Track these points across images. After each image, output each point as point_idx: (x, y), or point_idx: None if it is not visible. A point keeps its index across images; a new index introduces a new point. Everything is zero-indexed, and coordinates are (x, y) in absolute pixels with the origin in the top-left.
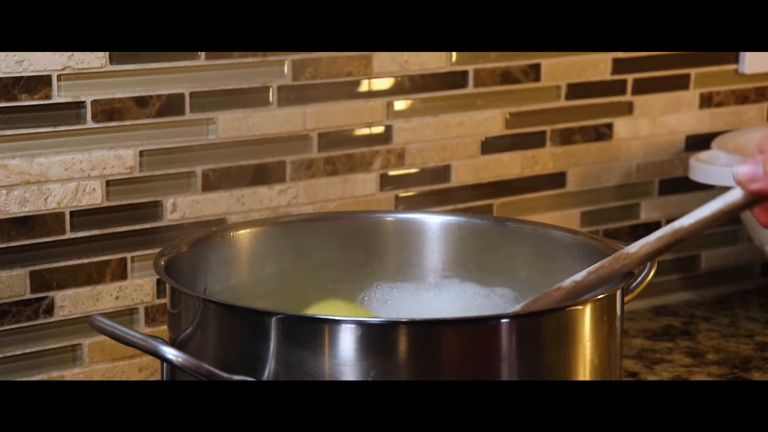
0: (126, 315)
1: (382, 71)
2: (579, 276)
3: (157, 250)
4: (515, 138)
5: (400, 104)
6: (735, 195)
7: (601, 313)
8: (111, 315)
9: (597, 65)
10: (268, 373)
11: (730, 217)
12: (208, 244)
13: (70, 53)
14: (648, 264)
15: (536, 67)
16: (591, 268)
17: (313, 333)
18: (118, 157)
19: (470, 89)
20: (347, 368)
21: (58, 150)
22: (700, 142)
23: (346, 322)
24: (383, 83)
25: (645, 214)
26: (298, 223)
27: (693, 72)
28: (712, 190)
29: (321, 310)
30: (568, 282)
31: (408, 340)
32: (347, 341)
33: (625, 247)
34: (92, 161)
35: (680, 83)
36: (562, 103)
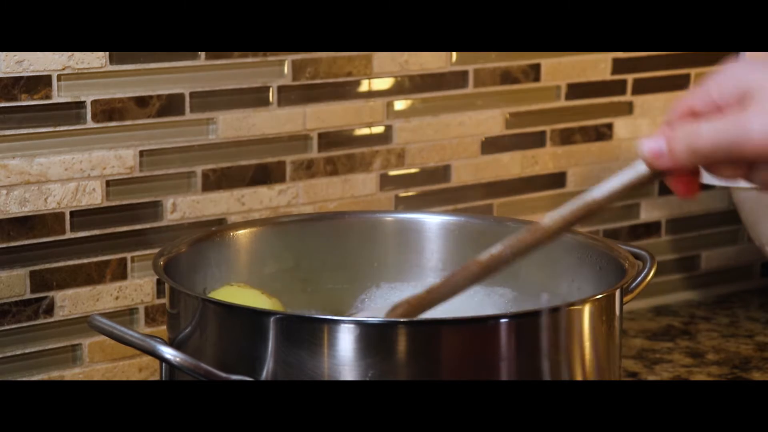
0: (126, 315)
1: (382, 71)
2: (494, 249)
3: (157, 250)
4: (515, 138)
5: (400, 104)
6: (642, 167)
7: (600, 313)
8: (111, 315)
9: (597, 65)
10: (266, 373)
11: (640, 189)
12: (208, 244)
13: (70, 53)
14: (648, 264)
15: (536, 67)
16: (506, 242)
17: (312, 333)
18: (118, 157)
19: (470, 89)
20: (346, 368)
21: (58, 150)
22: None
23: (344, 322)
24: (383, 83)
25: (645, 214)
26: (298, 223)
27: (693, 72)
28: (712, 190)
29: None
30: (484, 255)
31: (407, 340)
32: (346, 341)
33: (539, 221)
34: (92, 161)
35: (680, 83)
36: (562, 103)
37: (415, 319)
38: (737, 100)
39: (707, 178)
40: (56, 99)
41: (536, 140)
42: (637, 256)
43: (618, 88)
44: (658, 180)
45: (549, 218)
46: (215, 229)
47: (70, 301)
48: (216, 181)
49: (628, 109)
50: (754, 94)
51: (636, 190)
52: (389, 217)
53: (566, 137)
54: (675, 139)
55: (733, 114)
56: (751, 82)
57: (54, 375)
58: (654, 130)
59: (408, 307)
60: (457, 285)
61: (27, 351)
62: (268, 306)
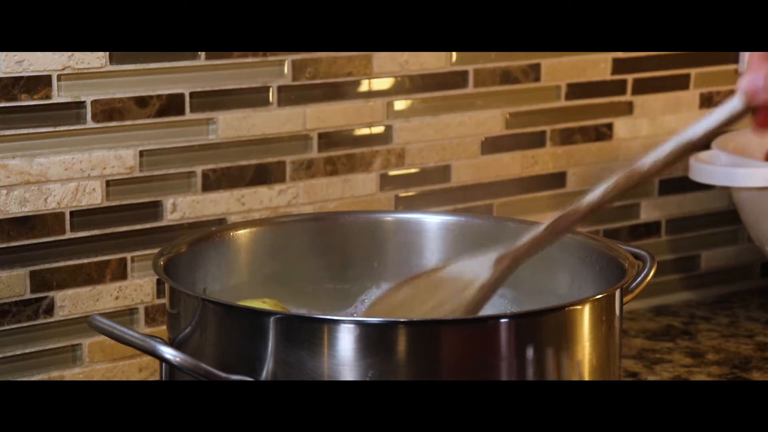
0: (126, 315)
1: (382, 71)
2: (592, 196)
3: (157, 250)
4: (515, 138)
5: (400, 104)
6: (736, 102)
7: (600, 313)
8: (111, 315)
9: (597, 65)
10: (266, 373)
11: (733, 124)
12: (208, 244)
13: (70, 53)
14: (648, 264)
15: (536, 67)
16: (601, 187)
17: (312, 333)
18: (118, 157)
19: (470, 89)
20: (345, 368)
21: (58, 150)
22: None
23: (344, 322)
24: (383, 83)
25: (645, 214)
26: (298, 223)
27: (693, 72)
28: (711, 190)
29: None
30: (582, 203)
31: (406, 340)
32: (346, 341)
33: (636, 165)
34: (92, 161)
35: (680, 83)
36: (562, 103)
37: (414, 319)
38: None
39: (706, 177)
40: (56, 99)
41: (536, 140)
42: (637, 256)
43: (618, 88)
44: (751, 113)
45: (646, 161)
46: (215, 229)
47: (70, 301)
48: (216, 181)
49: (628, 109)
50: None
51: (731, 125)
52: (389, 217)
53: (566, 137)
54: None
55: None
56: None
57: (54, 375)
58: (654, 130)
59: (511, 260)
60: (560, 228)
61: (27, 351)
62: None
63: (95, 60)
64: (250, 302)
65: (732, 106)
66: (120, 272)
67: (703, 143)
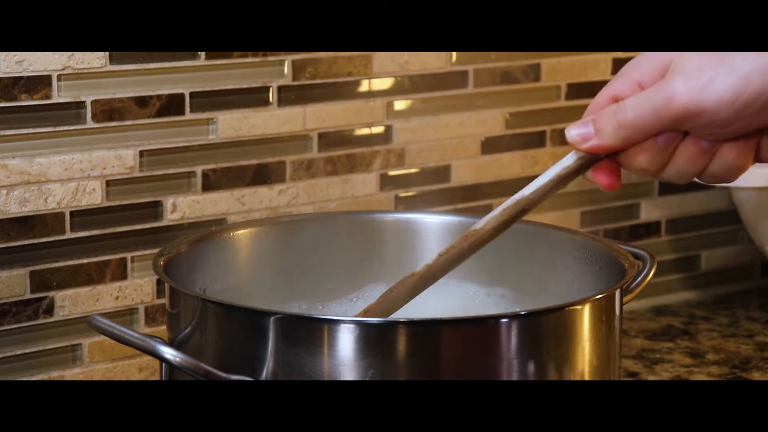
0: (126, 315)
1: (382, 71)
2: (430, 260)
3: (157, 250)
4: (515, 138)
5: (400, 104)
6: (570, 158)
7: (599, 313)
8: (111, 315)
9: (597, 65)
10: (266, 373)
11: (570, 181)
12: (208, 244)
13: (70, 53)
14: (648, 264)
15: (536, 67)
16: (441, 251)
17: (312, 333)
18: (118, 157)
19: (470, 89)
20: (346, 368)
21: (58, 150)
22: None
23: (344, 321)
24: (383, 83)
25: (645, 214)
26: (298, 223)
27: None
28: (711, 190)
29: None
30: (421, 267)
31: (407, 339)
32: (346, 341)
33: (472, 226)
34: (92, 161)
35: None
36: (562, 103)
37: (415, 319)
38: (659, 75)
39: None
40: (56, 99)
41: (536, 140)
42: (637, 256)
43: None
44: (584, 170)
45: (482, 222)
46: (215, 229)
47: (70, 301)
48: (216, 181)
49: None
50: (674, 64)
51: (567, 182)
52: (389, 217)
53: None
54: (601, 118)
55: (655, 86)
56: (671, 56)
57: (54, 375)
58: None
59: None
60: (396, 299)
61: (27, 351)
62: None
63: (95, 60)
64: None
65: (564, 162)
66: (120, 272)
67: (540, 201)
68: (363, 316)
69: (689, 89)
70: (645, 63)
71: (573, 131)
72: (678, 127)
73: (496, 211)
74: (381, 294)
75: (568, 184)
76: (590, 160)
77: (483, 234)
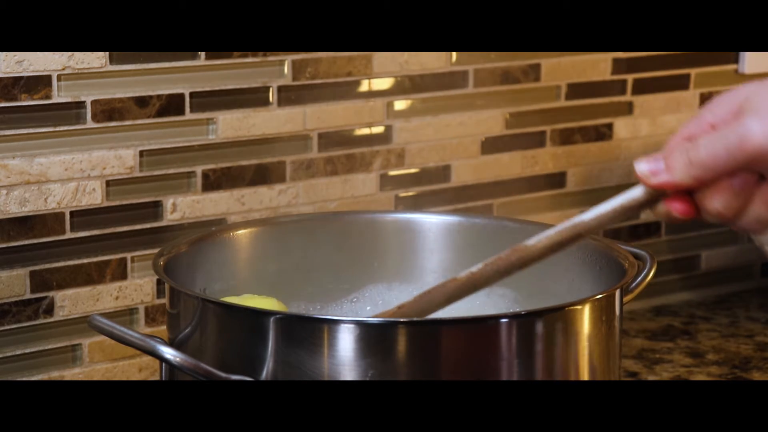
0: (126, 315)
1: (382, 71)
2: (475, 267)
3: (157, 250)
4: (515, 138)
5: (400, 104)
6: (637, 191)
7: (600, 313)
8: (111, 315)
9: (597, 65)
10: (266, 373)
11: (632, 214)
12: (208, 244)
13: (70, 53)
14: (648, 264)
15: (536, 67)
16: (488, 261)
17: (312, 333)
18: (118, 157)
19: (470, 89)
20: (346, 368)
21: (58, 150)
22: None
23: (344, 321)
24: (383, 83)
25: (645, 214)
26: (298, 223)
27: (693, 72)
28: None
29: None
30: (463, 273)
31: (407, 339)
32: (346, 341)
33: (523, 241)
34: (92, 161)
35: (680, 83)
36: (562, 103)
37: (414, 319)
38: (733, 116)
39: None
40: (56, 99)
41: (536, 140)
42: (637, 256)
43: (618, 88)
44: (649, 206)
45: (534, 239)
46: (215, 229)
47: (70, 301)
48: (216, 181)
49: (628, 109)
50: (749, 103)
51: (630, 214)
52: (389, 217)
53: (566, 137)
54: (673, 154)
55: (729, 125)
56: (744, 95)
57: (54, 375)
58: (654, 130)
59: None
60: (432, 302)
61: (27, 351)
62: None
63: (95, 60)
64: (249, 299)
65: (631, 193)
66: (120, 272)
67: (598, 229)
68: (397, 312)
69: (764, 128)
70: (719, 105)
71: (643, 165)
72: (753, 168)
73: (551, 231)
74: (418, 293)
75: (630, 216)
76: (657, 195)
77: (533, 251)
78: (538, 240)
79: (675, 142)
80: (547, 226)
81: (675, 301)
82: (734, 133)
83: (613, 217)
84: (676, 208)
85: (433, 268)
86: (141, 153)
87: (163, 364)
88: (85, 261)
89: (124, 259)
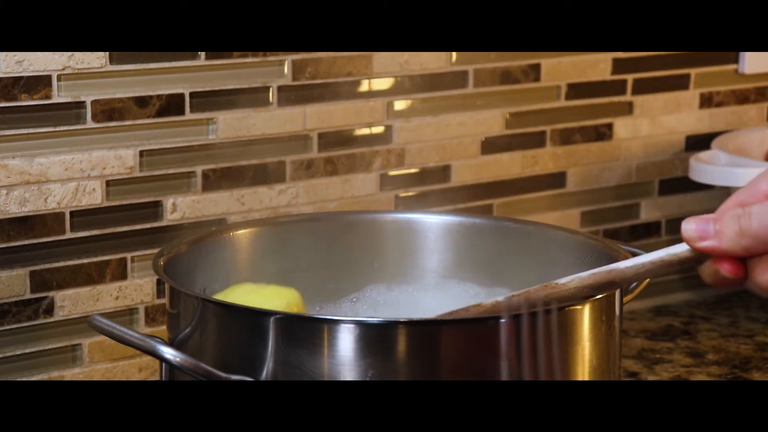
0: (126, 315)
1: (382, 71)
2: (502, 297)
3: (157, 250)
4: (515, 138)
5: (400, 104)
6: (682, 248)
7: (600, 313)
8: (111, 315)
9: (597, 65)
10: (266, 373)
11: (674, 270)
12: (208, 244)
13: (70, 53)
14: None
15: (536, 67)
16: (515, 292)
17: (312, 333)
18: (118, 157)
19: (470, 89)
20: (345, 368)
21: (58, 150)
22: (700, 142)
23: (344, 321)
24: (383, 83)
25: (645, 215)
26: (298, 223)
27: (693, 72)
28: (711, 190)
29: (228, 295)
30: (489, 301)
31: (407, 339)
32: (346, 341)
33: (556, 279)
34: (92, 161)
35: (680, 83)
36: (562, 103)
37: (414, 318)
38: None
39: (706, 177)
40: (56, 99)
41: (536, 140)
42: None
43: (618, 88)
44: (692, 264)
45: (567, 278)
46: (215, 229)
47: (70, 301)
48: (216, 181)
49: (628, 109)
50: None
51: (671, 270)
52: (389, 217)
53: (566, 137)
54: (723, 219)
55: None
56: None
57: (54, 375)
58: (654, 130)
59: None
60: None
61: (27, 351)
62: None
63: (95, 60)
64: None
65: (675, 250)
66: (120, 272)
67: (635, 280)
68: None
69: None
70: None
71: (691, 225)
72: None
73: (585, 273)
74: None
75: (671, 272)
76: (702, 257)
77: (563, 290)
78: (569, 280)
79: (727, 207)
80: (547, 226)
81: (675, 301)
82: None
83: (652, 269)
84: (725, 268)
85: (433, 268)
86: (141, 153)
87: (163, 364)
88: (85, 261)
89: (124, 259)
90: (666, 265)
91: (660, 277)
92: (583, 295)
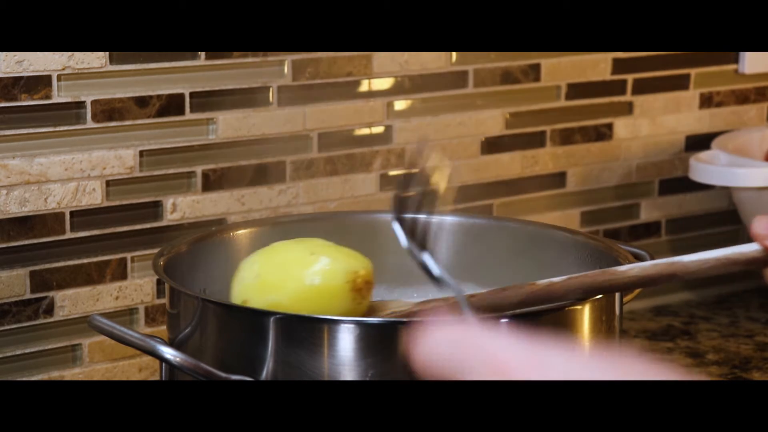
0: (126, 315)
1: (382, 71)
2: (558, 278)
3: (157, 250)
4: (515, 138)
5: (400, 104)
6: (751, 247)
7: (600, 313)
8: (111, 315)
9: (597, 65)
10: (266, 372)
11: (740, 269)
12: (208, 244)
13: (70, 53)
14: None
15: (536, 67)
16: (573, 275)
17: (312, 333)
18: (118, 157)
19: (470, 89)
20: (345, 368)
21: (58, 150)
22: (700, 142)
23: (344, 321)
24: (383, 83)
25: (645, 215)
26: (298, 223)
27: (693, 72)
28: (711, 190)
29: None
30: (543, 281)
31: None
32: (346, 341)
33: (615, 266)
34: (92, 161)
35: (680, 83)
36: (562, 103)
37: (414, 319)
38: None
39: (706, 177)
40: (56, 99)
41: (536, 140)
42: (637, 256)
43: (618, 88)
44: (760, 266)
45: (627, 266)
46: (215, 229)
47: (70, 301)
48: (216, 181)
49: (628, 109)
50: None
51: (736, 268)
52: (389, 217)
53: (566, 137)
54: None
55: None
56: None
57: (54, 375)
58: (654, 130)
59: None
60: (505, 300)
61: (27, 351)
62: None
63: (95, 60)
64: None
65: (742, 248)
66: (120, 272)
67: (697, 275)
68: (468, 299)
69: None
70: None
71: (763, 223)
72: None
73: (647, 263)
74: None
75: (736, 270)
76: None
77: (622, 277)
78: (629, 268)
79: None
80: (547, 226)
81: (675, 301)
82: None
83: (716, 265)
84: None
85: None
86: (141, 153)
87: (163, 364)
88: (85, 261)
89: (124, 259)
90: (731, 263)
91: (725, 272)
92: (642, 284)
